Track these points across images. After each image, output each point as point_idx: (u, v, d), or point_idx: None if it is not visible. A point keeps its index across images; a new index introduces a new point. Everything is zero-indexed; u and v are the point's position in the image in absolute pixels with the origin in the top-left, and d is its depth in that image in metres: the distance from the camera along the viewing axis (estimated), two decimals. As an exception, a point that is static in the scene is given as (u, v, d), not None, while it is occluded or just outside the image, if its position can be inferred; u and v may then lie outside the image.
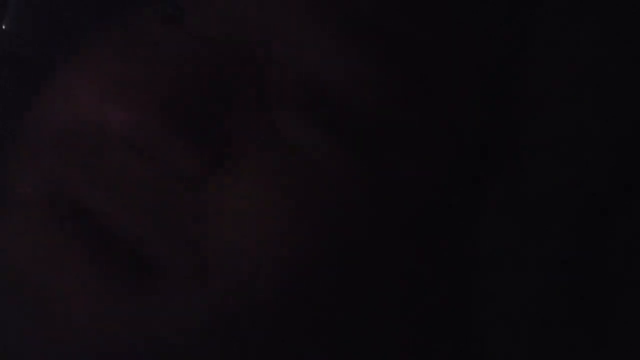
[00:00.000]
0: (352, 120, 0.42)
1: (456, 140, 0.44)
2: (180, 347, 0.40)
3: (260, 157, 0.41)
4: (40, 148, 0.43)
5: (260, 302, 0.40)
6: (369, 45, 0.42)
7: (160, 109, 0.40)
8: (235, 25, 0.42)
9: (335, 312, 0.42)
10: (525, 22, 0.44)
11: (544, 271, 0.42)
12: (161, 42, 0.43)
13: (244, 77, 0.42)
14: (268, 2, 0.42)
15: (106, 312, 0.40)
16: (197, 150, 0.41)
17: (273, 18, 0.42)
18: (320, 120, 0.41)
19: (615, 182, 0.43)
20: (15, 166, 0.43)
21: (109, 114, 0.41)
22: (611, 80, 0.43)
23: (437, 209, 0.43)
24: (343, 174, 0.41)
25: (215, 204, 0.41)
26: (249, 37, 0.42)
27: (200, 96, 0.41)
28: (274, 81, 0.42)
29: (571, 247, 0.42)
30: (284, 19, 0.42)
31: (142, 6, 0.44)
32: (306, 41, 0.42)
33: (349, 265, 0.42)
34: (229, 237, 0.40)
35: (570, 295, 0.42)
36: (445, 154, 0.43)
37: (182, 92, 0.41)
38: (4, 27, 0.48)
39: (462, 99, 0.44)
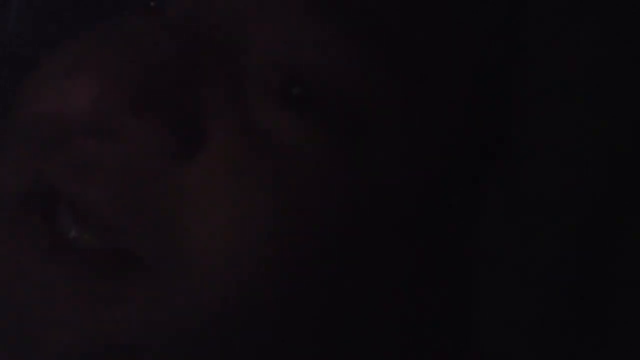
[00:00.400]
0: (333, 107, 0.41)
1: (455, 140, 0.43)
2: (161, 347, 0.40)
3: (234, 145, 0.40)
4: (14, 140, 0.42)
5: (244, 300, 0.40)
6: (359, 36, 0.41)
7: (132, 95, 0.40)
8: (211, 10, 0.42)
9: (324, 311, 0.41)
10: (524, 22, 0.44)
11: (544, 271, 0.42)
12: (137, 30, 0.42)
13: (218, 63, 0.42)
14: None
15: (81, 313, 0.39)
16: (171, 137, 0.40)
17: (253, 4, 0.42)
18: (298, 107, 0.41)
19: (615, 182, 0.43)
20: None
21: (80, 101, 0.41)
22: (611, 80, 0.43)
23: (436, 208, 0.43)
24: (324, 165, 0.41)
25: (190, 194, 0.40)
26: (226, 22, 0.42)
27: (172, 82, 0.41)
28: (250, 67, 0.42)
29: (571, 247, 0.42)
30: (264, 5, 0.42)
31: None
32: (285, 26, 0.42)
33: (337, 263, 0.41)
34: (205, 230, 0.40)
35: (570, 296, 0.42)
36: (442, 154, 0.43)
37: (154, 79, 0.40)
38: (5, 27, 0.48)
39: (461, 98, 0.44)
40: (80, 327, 0.39)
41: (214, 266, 0.39)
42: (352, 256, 0.42)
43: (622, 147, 0.42)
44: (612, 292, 0.42)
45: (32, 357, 0.40)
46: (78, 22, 0.44)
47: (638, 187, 0.43)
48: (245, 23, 0.42)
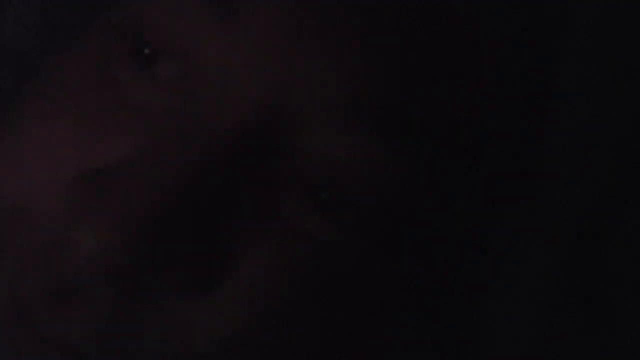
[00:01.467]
0: (369, 213, 0.38)
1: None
2: None
3: (260, 279, 0.37)
4: None
5: None
6: (404, 150, 0.38)
7: (145, 248, 0.35)
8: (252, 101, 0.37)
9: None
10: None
11: (552, 274, 0.42)
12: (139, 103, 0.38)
13: (256, 166, 0.37)
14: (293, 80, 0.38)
15: None
16: (186, 280, 0.36)
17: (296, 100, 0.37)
18: (333, 209, 0.38)
19: (617, 182, 0.42)
20: None
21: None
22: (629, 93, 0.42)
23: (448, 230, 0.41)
24: (359, 268, 0.38)
25: (196, 331, 0.36)
26: (270, 117, 0.37)
27: (196, 216, 0.36)
28: (288, 169, 0.38)
29: (572, 248, 0.42)
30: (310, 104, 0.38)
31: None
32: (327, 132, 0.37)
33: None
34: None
35: (576, 298, 0.42)
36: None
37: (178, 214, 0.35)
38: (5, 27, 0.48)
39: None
40: None
41: None
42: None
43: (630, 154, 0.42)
44: (612, 292, 0.42)
45: None
46: (77, 25, 0.44)
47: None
48: (292, 122, 0.37)
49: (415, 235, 0.39)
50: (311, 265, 0.37)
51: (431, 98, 0.38)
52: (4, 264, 0.38)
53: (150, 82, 0.38)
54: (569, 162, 0.42)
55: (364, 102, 0.37)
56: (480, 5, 0.40)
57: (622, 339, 0.42)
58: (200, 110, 0.37)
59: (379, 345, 0.40)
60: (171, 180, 0.35)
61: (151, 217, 0.35)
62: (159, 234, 0.35)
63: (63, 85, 0.40)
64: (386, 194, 0.38)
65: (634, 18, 0.42)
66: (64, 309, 0.36)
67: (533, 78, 0.41)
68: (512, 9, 0.40)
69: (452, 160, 0.39)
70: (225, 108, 0.37)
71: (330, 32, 0.37)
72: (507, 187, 0.41)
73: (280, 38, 0.37)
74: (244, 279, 0.36)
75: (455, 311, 0.42)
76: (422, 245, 0.40)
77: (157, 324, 0.36)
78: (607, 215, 0.42)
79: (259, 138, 0.37)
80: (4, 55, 0.48)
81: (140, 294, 0.36)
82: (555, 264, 0.42)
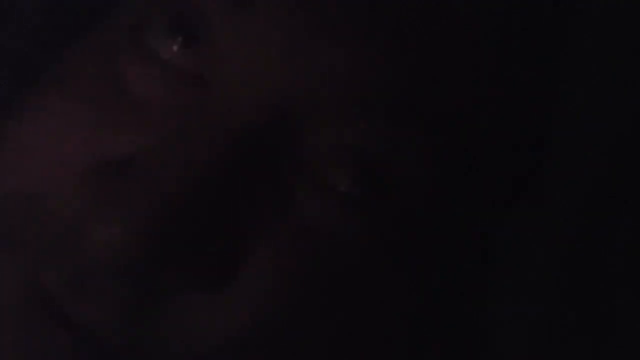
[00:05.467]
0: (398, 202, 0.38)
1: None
2: None
3: (270, 278, 0.37)
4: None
5: None
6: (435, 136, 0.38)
7: (157, 244, 0.35)
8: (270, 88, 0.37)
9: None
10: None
11: (553, 275, 0.42)
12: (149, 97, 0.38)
13: (275, 154, 0.37)
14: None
15: None
16: (197, 278, 0.36)
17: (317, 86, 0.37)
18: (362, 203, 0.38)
19: (618, 182, 0.43)
20: None
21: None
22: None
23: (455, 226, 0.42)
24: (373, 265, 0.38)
25: (206, 323, 0.36)
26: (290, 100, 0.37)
27: (207, 215, 0.36)
28: (309, 155, 0.38)
29: (578, 252, 0.42)
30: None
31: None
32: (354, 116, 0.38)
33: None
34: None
35: (577, 298, 0.42)
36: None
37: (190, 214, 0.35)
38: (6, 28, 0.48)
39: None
40: None
41: None
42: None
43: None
44: (613, 292, 0.42)
45: None
46: (81, 25, 0.44)
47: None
48: (307, 114, 0.37)
49: (423, 230, 0.39)
50: (322, 260, 0.37)
51: (441, 82, 0.38)
52: (20, 250, 0.38)
53: (164, 76, 0.38)
54: (570, 162, 0.42)
55: (378, 87, 0.37)
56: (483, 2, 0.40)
57: (622, 339, 0.42)
58: (214, 104, 0.37)
59: (382, 342, 0.40)
60: (185, 174, 0.35)
61: (166, 210, 0.35)
62: (172, 228, 0.35)
63: (78, 77, 0.40)
64: (401, 180, 0.38)
65: (634, 18, 0.42)
66: (82, 295, 0.36)
67: (536, 76, 0.41)
68: (516, 7, 0.41)
69: (461, 149, 0.39)
70: (239, 102, 0.37)
71: (341, 20, 0.37)
72: (510, 185, 0.42)
73: (293, 29, 0.37)
74: (256, 275, 0.36)
75: (457, 311, 0.43)
76: (428, 242, 0.40)
77: (171, 317, 0.36)
78: (607, 216, 0.42)
79: (272, 132, 0.37)
80: (5, 56, 0.48)
81: (154, 287, 0.36)
82: (556, 265, 0.42)
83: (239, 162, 0.36)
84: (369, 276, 0.39)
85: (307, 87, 0.37)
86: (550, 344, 0.42)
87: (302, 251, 0.37)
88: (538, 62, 0.41)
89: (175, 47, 0.38)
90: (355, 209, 0.38)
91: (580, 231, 0.42)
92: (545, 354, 0.42)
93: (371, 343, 0.39)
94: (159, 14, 0.39)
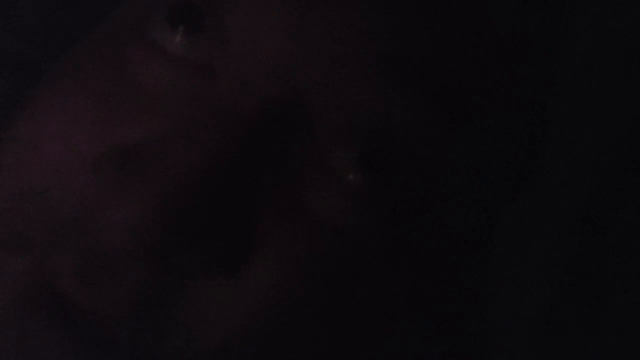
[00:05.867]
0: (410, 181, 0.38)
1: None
2: None
3: (284, 264, 0.36)
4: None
5: None
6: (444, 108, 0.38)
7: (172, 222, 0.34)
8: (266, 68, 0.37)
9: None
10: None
11: (553, 271, 0.42)
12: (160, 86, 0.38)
13: (283, 142, 0.37)
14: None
15: None
16: (212, 263, 0.36)
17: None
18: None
19: (618, 181, 0.42)
20: None
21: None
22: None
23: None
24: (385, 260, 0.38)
25: (222, 310, 0.36)
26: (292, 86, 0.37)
27: (222, 198, 0.36)
28: (319, 141, 0.38)
29: (579, 248, 0.42)
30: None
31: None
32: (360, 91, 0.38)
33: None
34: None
35: (577, 295, 0.42)
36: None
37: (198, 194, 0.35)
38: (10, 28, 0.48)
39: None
40: None
41: None
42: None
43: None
44: (612, 293, 0.42)
45: None
46: (85, 26, 0.44)
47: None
48: (327, 84, 0.37)
49: (427, 221, 0.39)
50: (332, 249, 0.37)
51: (453, 59, 0.39)
52: (26, 249, 0.37)
53: (170, 67, 0.39)
54: (569, 155, 0.42)
55: (389, 63, 0.37)
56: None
57: (623, 337, 0.42)
58: (226, 86, 0.38)
59: (384, 340, 0.40)
60: (200, 157, 0.35)
61: (183, 190, 0.35)
62: (190, 207, 0.35)
63: (85, 70, 0.40)
64: (409, 165, 0.38)
65: (635, 18, 0.42)
66: (92, 284, 0.36)
67: (542, 64, 0.42)
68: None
69: (469, 133, 0.39)
70: (249, 86, 0.37)
71: None
72: (512, 178, 0.42)
73: (302, 10, 0.37)
74: (269, 262, 0.36)
75: (459, 311, 0.43)
76: (432, 234, 0.40)
77: (186, 301, 0.36)
78: (608, 208, 0.42)
79: (283, 114, 0.37)
80: (5, 58, 0.48)
81: (170, 270, 0.36)
82: (557, 260, 0.42)
83: (252, 144, 0.36)
84: (376, 266, 0.39)
85: (318, 67, 0.37)
86: (550, 342, 0.42)
87: (313, 241, 0.37)
88: (543, 49, 0.42)
89: (177, 38, 0.39)
90: (363, 199, 0.38)
91: (580, 226, 0.42)
92: (545, 351, 0.42)
93: (377, 334, 0.39)
94: (159, 5, 0.39)
